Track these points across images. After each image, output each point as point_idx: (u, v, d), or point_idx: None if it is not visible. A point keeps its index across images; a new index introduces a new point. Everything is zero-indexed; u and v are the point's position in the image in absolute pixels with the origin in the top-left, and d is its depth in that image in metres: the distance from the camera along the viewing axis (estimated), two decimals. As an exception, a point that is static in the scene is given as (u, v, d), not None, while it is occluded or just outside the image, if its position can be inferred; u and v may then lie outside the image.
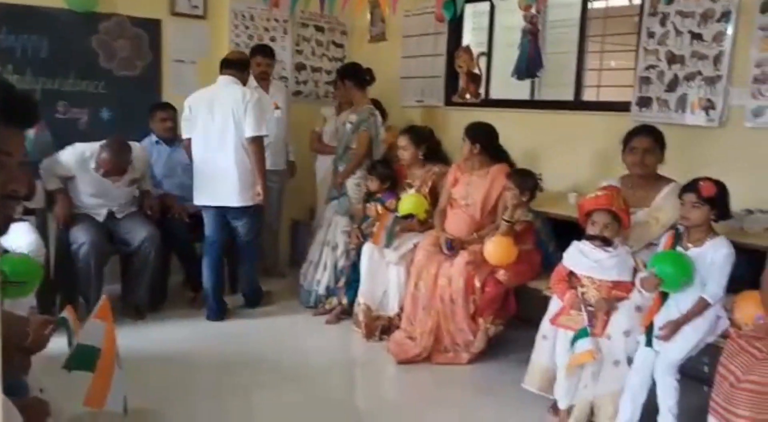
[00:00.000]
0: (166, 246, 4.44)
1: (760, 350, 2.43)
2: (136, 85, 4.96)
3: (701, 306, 2.77)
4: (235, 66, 4.31)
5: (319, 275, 4.59)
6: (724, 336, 2.75)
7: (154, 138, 4.68)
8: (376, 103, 5.07)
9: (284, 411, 3.19)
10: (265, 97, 4.62)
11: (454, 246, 3.84)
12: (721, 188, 2.83)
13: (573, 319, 3.05)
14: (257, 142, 4.17)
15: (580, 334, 2.94)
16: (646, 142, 3.25)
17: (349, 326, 4.24)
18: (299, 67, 5.68)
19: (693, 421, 2.80)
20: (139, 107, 4.75)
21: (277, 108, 4.81)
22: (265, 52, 4.88)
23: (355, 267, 4.29)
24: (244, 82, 4.35)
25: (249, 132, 4.13)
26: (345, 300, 4.38)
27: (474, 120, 4.19)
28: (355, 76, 4.66)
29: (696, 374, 2.89)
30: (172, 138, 4.69)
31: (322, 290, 4.58)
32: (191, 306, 4.51)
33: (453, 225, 4.01)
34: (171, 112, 4.66)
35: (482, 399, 3.37)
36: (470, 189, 3.97)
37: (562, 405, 3.07)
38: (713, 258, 2.78)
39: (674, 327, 2.77)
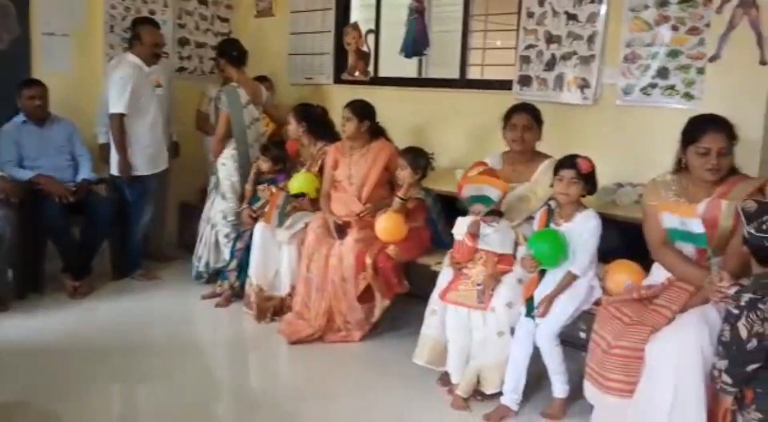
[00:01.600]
0: (39, 231, 4.20)
1: (628, 316, 2.60)
2: (3, 60, 4.61)
3: (570, 279, 2.92)
4: (129, 41, 4.52)
5: (201, 251, 4.61)
6: (598, 303, 2.90)
7: (22, 118, 4.36)
8: (265, 79, 4.98)
9: (172, 396, 3.11)
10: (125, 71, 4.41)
11: (343, 230, 3.85)
12: (593, 164, 2.96)
13: (463, 295, 3.13)
14: (113, 118, 4.34)
15: None
16: (525, 119, 3.36)
17: (240, 308, 4.17)
18: (182, 42, 5.46)
19: (572, 385, 2.95)
20: (6, 84, 4.41)
21: (158, 85, 4.62)
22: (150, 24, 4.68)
23: (248, 249, 4.21)
24: (143, 56, 4.44)
25: (109, 109, 4.34)
26: (237, 283, 4.30)
27: (363, 98, 4.16)
28: (225, 53, 4.59)
29: (574, 340, 3.05)
30: (43, 117, 4.40)
31: (202, 266, 4.61)
32: (72, 296, 4.28)
33: (340, 206, 4.00)
34: (39, 90, 4.34)
35: (374, 374, 3.41)
36: (354, 169, 3.97)
37: (455, 379, 3.14)
38: (583, 231, 2.92)
39: (548, 302, 2.91)
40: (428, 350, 3.26)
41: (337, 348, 3.69)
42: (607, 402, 2.55)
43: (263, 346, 3.80)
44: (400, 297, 3.83)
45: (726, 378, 2.16)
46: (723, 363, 2.17)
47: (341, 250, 3.74)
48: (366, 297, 3.71)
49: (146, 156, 4.46)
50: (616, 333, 2.57)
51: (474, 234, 3.10)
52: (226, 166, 4.51)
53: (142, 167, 4.45)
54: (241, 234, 4.33)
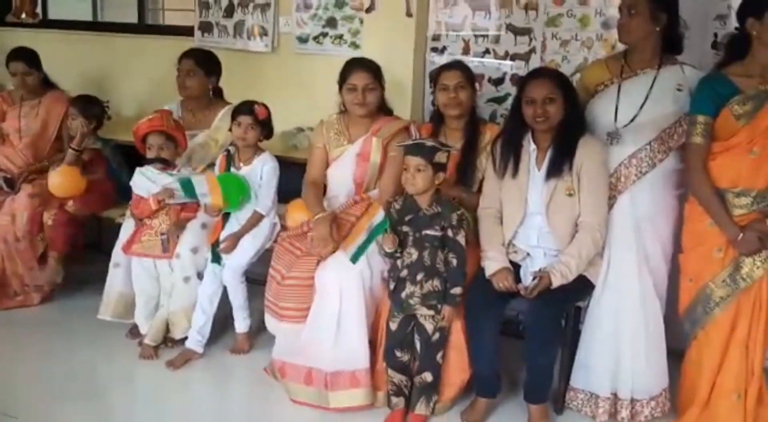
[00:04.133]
0: None
1: (300, 249, 2.81)
2: None
3: (256, 219, 3.05)
4: None
5: None
6: (277, 240, 3.07)
7: None
8: None
9: None
10: None
11: (12, 183, 3.55)
12: (269, 111, 3.09)
13: (147, 246, 3.09)
14: None
15: None
16: (188, 65, 3.38)
17: None
18: None
19: (260, 321, 3.09)
20: None
21: None
22: None
23: None
24: None
25: None
26: None
27: (33, 43, 3.84)
28: None
29: (256, 278, 3.19)
30: None
31: None
32: None
33: (12, 160, 3.67)
34: None
35: (58, 338, 3.24)
36: (25, 121, 3.67)
37: (143, 329, 3.14)
38: (262, 173, 3.06)
39: (234, 239, 3.01)
40: (114, 304, 3.20)
41: (15, 315, 3.44)
42: (284, 328, 2.76)
43: None
44: (86, 254, 3.69)
45: (458, 290, 2.49)
46: (455, 287, 2.49)
47: (13, 207, 3.47)
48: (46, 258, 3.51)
49: None
50: (289, 265, 2.77)
51: (161, 201, 3.05)
52: None
53: None
54: None
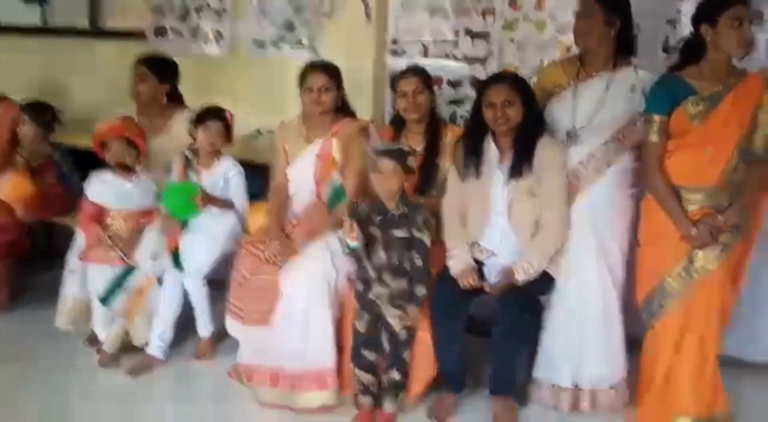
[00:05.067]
0: None
1: (263, 252, 2.81)
2: None
3: (229, 204, 3.06)
4: None
5: None
6: (239, 243, 3.05)
7: None
8: None
9: None
10: None
11: None
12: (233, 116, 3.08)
13: (104, 253, 3.03)
14: None
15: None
16: (141, 70, 3.36)
17: None
18: None
19: (218, 325, 3.07)
20: None
21: None
22: None
23: None
24: None
25: None
26: None
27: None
28: None
29: (218, 278, 3.16)
30: None
31: None
32: None
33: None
34: None
35: (15, 348, 3.17)
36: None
37: (102, 337, 3.07)
38: (227, 176, 3.06)
39: (208, 198, 2.98)
40: (69, 311, 3.14)
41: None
42: (249, 332, 2.74)
43: None
44: (38, 260, 3.62)
45: (422, 289, 2.54)
46: (419, 286, 2.52)
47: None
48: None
49: None
50: (253, 268, 2.76)
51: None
52: None
53: None
54: None
